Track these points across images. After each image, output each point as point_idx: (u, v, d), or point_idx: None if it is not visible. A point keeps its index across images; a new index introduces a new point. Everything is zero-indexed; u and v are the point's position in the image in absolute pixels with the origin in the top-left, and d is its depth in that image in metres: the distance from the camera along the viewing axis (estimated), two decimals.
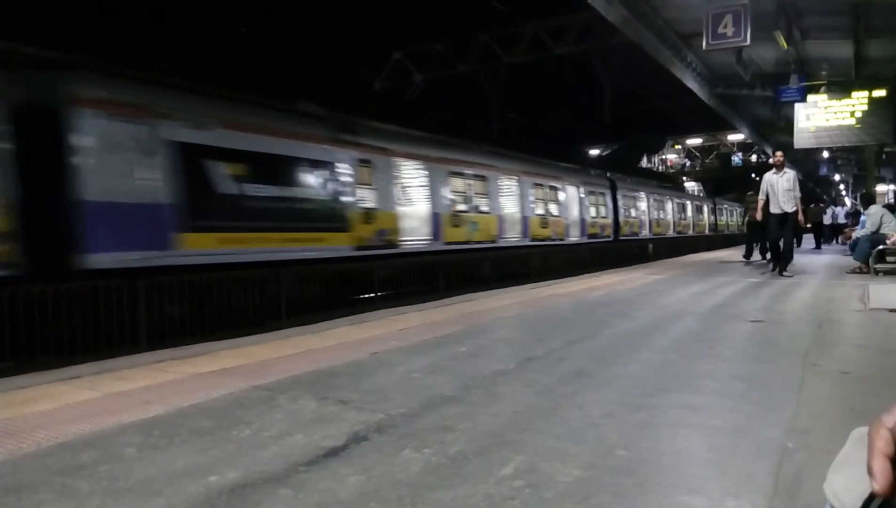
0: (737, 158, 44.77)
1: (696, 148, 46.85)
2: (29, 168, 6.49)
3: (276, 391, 3.32)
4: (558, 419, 2.73)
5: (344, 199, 10.35)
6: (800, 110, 15.38)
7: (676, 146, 47.05)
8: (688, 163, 48.17)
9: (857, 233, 11.05)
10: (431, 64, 20.31)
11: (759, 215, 10.27)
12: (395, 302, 8.23)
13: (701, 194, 40.05)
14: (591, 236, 18.79)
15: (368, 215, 10.79)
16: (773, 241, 10.15)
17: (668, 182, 31.66)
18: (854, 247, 10.76)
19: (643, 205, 23.18)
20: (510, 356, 4.12)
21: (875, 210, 10.71)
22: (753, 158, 42.31)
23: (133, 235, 7.28)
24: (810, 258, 14.60)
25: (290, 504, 1.95)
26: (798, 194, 9.70)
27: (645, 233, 23.05)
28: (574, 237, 17.77)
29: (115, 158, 7.19)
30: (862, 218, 11.57)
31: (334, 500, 1.96)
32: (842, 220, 22.98)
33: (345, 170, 10.39)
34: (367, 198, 10.88)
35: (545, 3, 17.99)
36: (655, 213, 24.19)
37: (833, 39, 13.26)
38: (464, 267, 12.28)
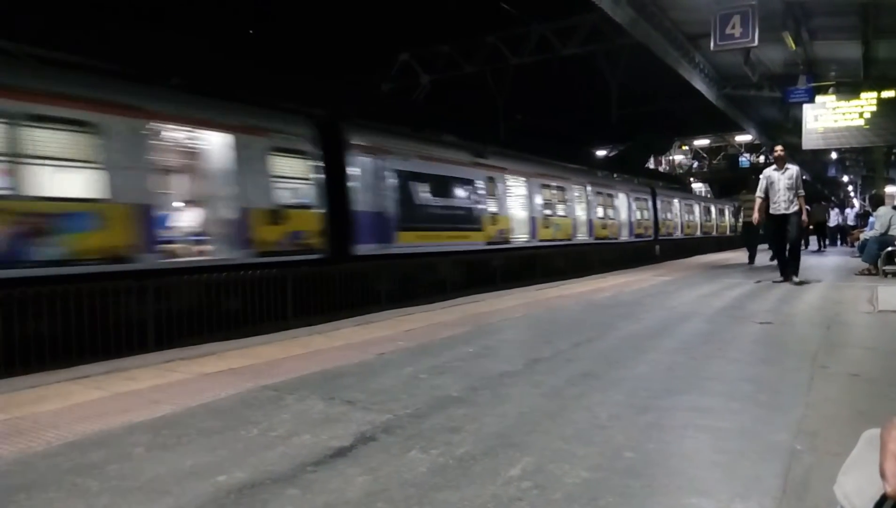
0: (744, 160, 44.58)
1: (703, 149, 46.69)
2: (327, 190, 10.05)
3: (284, 391, 3.33)
4: (565, 421, 2.73)
5: (480, 207, 13.70)
6: (808, 111, 15.31)
7: (684, 147, 46.89)
8: (695, 164, 48.00)
9: (866, 234, 10.99)
10: (438, 65, 20.34)
11: (755, 218, 9.06)
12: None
13: (709, 196, 40.08)
14: (638, 236, 21.70)
15: (493, 218, 14.07)
16: (776, 248, 8.97)
17: (675, 183, 31.75)
18: (862, 249, 10.70)
19: (676, 209, 26.08)
20: (517, 357, 4.11)
21: (884, 211, 10.64)
22: (761, 158, 42.10)
23: (377, 233, 10.85)
24: (817, 260, 14.53)
25: (297, 504, 1.96)
26: (801, 191, 8.69)
27: (678, 233, 25.88)
28: (624, 237, 20.62)
29: (367, 182, 10.76)
30: (871, 219, 11.51)
31: (342, 500, 1.97)
32: (852, 221, 22.81)
33: (480, 185, 13.72)
34: (492, 206, 14.08)
35: (552, 4, 17.99)
36: (686, 216, 27.16)
37: (841, 40, 13.20)
38: (551, 259, 15.19)
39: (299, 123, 9.88)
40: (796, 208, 8.59)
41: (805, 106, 15.25)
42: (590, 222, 18.27)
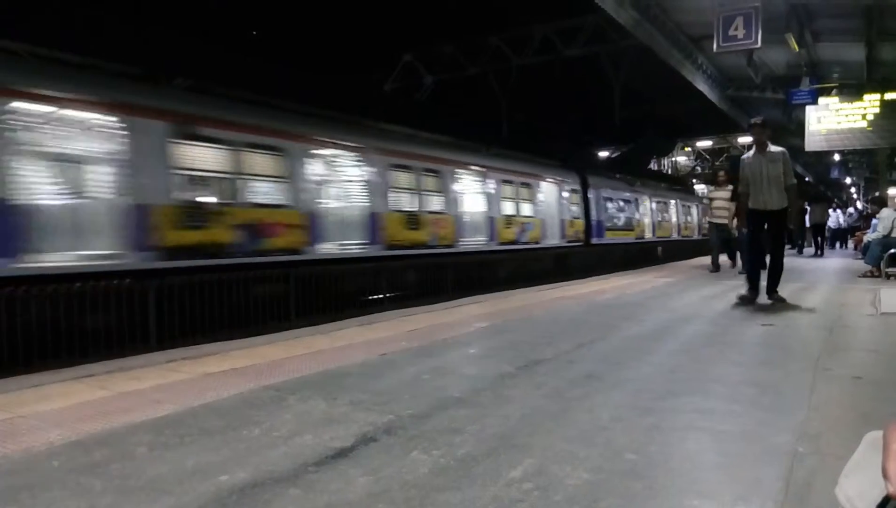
0: None
1: (705, 150, 46.57)
2: (580, 210, 18.15)
3: (286, 391, 3.34)
4: (567, 422, 2.73)
5: (632, 216, 21.66)
6: (811, 113, 15.29)
7: (686, 148, 46.78)
8: (698, 165, 47.87)
9: (869, 236, 10.97)
10: (441, 66, 20.34)
11: (735, 222, 7.34)
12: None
13: None
14: (703, 234, 30.38)
15: (638, 223, 22.04)
16: (753, 253, 6.99)
17: (677, 185, 31.99)
18: (865, 251, 10.68)
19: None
20: (519, 358, 4.11)
21: (887, 213, 10.62)
22: None
23: (598, 232, 18.54)
24: (819, 263, 14.51)
25: (299, 504, 1.96)
26: (792, 180, 6.75)
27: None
28: (695, 236, 28.25)
29: (598, 205, 18.72)
30: (874, 221, 11.49)
31: (343, 501, 1.97)
32: (844, 221, 22.81)
33: (633, 202, 21.73)
34: (637, 215, 22.01)
35: (555, 5, 18.00)
36: None
37: (845, 42, 13.18)
38: (657, 250, 21.54)
39: (574, 174, 17.95)
40: (785, 203, 6.73)
41: (808, 108, 15.23)
42: (678, 224, 26.79)
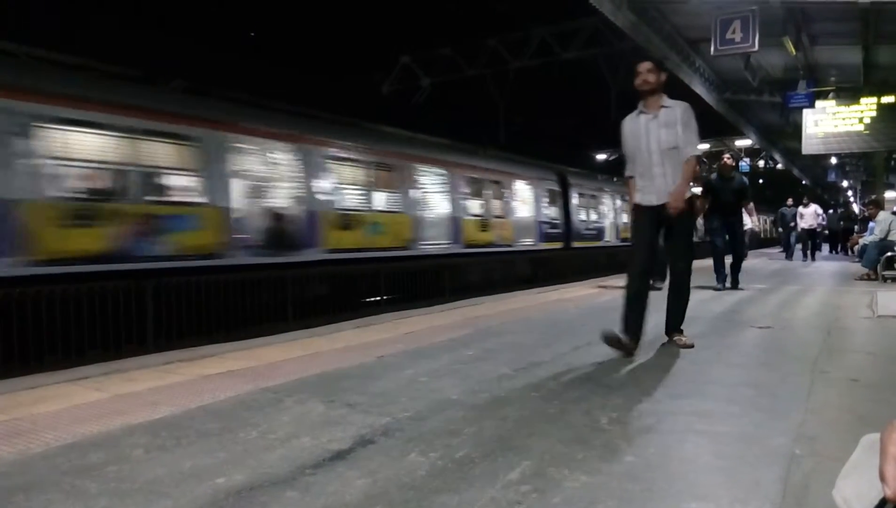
0: (744, 164, 44.58)
1: (703, 153, 46.73)
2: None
3: (283, 393, 3.33)
4: (565, 424, 2.72)
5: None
6: (808, 116, 15.34)
7: None
8: None
9: (866, 239, 11.00)
10: (439, 68, 20.34)
11: (635, 197, 4.47)
12: None
13: None
14: None
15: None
16: (638, 268, 4.58)
17: None
18: (862, 254, 10.71)
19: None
20: (517, 360, 4.11)
21: (884, 217, 10.65)
22: (761, 163, 42.15)
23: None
24: (814, 266, 14.52)
25: (296, 506, 1.95)
26: (695, 150, 4.48)
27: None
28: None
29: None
30: (871, 224, 11.51)
31: (341, 503, 1.96)
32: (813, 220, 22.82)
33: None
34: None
35: (553, 8, 18.04)
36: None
37: (842, 45, 13.22)
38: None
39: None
40: (687, 192, 4.41)
41: (805, 111, 15.28)
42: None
